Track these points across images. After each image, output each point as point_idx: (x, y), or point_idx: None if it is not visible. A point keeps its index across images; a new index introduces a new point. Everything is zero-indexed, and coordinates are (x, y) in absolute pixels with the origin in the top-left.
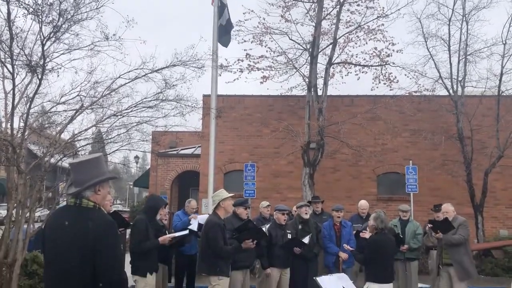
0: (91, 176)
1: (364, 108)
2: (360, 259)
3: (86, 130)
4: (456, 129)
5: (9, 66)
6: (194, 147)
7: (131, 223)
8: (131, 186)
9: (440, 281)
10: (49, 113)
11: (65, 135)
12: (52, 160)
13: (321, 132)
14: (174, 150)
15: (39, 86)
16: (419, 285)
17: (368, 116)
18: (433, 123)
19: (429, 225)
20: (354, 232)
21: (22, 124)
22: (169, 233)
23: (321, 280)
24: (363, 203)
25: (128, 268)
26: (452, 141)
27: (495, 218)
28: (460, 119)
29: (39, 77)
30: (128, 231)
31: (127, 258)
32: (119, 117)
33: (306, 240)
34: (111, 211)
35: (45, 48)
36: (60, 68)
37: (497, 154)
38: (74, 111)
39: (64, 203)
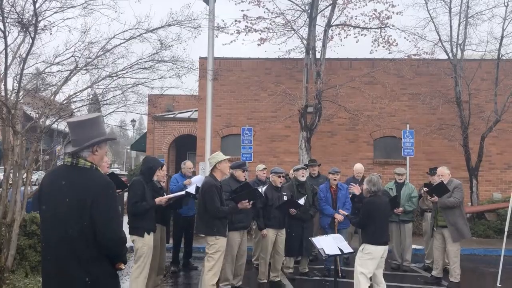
0: (89, 136)
1: (362, 72)
2: (355, 222)
3: (81, 91)
4: (454, 93)
5: (0, 25)
6: (191, 111)
7: (128, 185)
8: (128, 150)
9: (434, 242)
10: (43, 74)
11: (61, 97)
12: (48, 122)
13: (319, 96)
14: (171, 114)
15: (32, 45)
16: (413, 246)
17: (366, 79)
18: (432, 87)
19: (425, 189)
20: (350, 195)
21: (16, 85)
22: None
23: (316, 240)
24: (358, 167)
25: (126, 230)
26: (449, 105)
27: (489, 182)
28: (459, 82)
29: (32, 36)
30: (126, 193)
31: (125, 219)
32: (114, 78)
33: (301, 201)
34: (108, 173)
35: (36, 6)
36: (53, 27)
37: (494, 118)
38: (69, 71)
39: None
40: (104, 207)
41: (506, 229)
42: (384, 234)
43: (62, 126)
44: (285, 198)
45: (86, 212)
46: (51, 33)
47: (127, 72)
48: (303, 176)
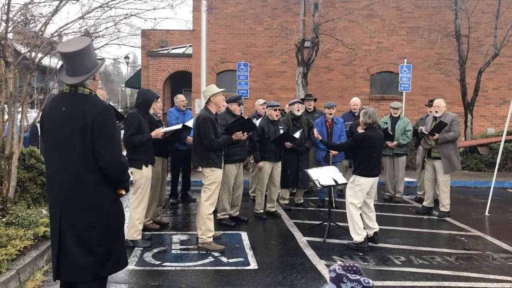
0: (89, 63)
1: (361, 4)
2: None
3: (72, 22)
4: (453, 26)
5: None
6: (185, 47)
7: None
8: (123, 88)
9: (425, 174)
10: (31, 4)
11: (52, 30)
12: (40, 55)
13: (316, 29)
14: (165, 50)
15: None
16: (406, 179)
17: (365, 12)
18: (431, 21)
19: (421, 133)
20: (347, 129)
21: (4, 17)
22: None
23: (312, 171)
24: (354, 100)
25: None
26: (448, 39)
27: (484, 117)
28: (459, 15)
29: None
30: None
31: (124, 152)
32: (106, 9)
33: (297, 135)
34: None
35: None
36: None
37: (493, 52)
38: (58, 1)
39: None
40: (104, 130)
41: (498, 161)
42: (376, 167)
43: (54, 63)
44: (281, 131)
45: (87, 136)
46: None
47: (118, 3)
48: (298, 110)
